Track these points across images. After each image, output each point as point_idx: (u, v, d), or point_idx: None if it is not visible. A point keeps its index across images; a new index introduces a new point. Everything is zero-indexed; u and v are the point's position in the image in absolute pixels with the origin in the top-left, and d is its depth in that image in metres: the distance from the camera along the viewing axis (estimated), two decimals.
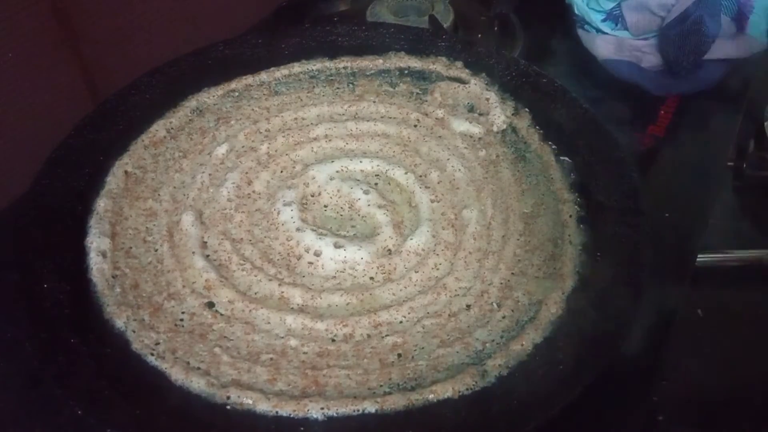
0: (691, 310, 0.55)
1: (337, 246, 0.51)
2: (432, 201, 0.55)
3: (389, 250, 0.52)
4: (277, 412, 0.41)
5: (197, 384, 0.43)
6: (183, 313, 0.48)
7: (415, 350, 0.46)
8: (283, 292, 0.49)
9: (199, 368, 0.44)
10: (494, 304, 0.48)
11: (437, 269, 0.50)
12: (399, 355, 0.45)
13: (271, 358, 0.45)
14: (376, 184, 0.57)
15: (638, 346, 0.51)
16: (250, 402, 0.42)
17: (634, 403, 0.50)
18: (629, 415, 0.49)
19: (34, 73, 0.63)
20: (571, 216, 0.53)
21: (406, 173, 0.57)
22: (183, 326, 0.47)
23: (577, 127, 0.58)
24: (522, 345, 0.45)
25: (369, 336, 0.47)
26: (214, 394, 0.42)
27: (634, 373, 0.51)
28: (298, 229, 0.52)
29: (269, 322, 0.47)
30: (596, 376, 0.41)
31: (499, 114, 0.61)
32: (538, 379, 0.43)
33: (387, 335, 0.46)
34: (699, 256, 0.57)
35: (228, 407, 0.42)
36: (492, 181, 0.57)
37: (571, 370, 0.42)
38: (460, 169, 0.57)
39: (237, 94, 0.64)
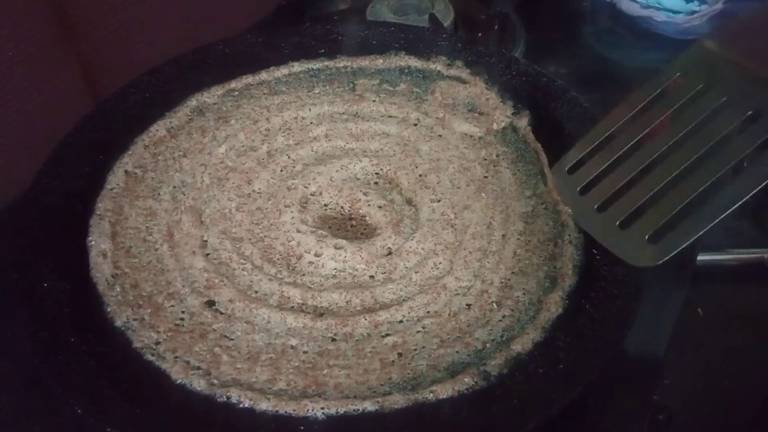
0: (691, 310, 0.55)
1: (337, 246, 0.51)
2: (432, 201, 0.55)
3: (389, 250, 0.52)
4: (277, 412, 0.41)
5: (197, 383, 0.43)
6: (183, 312, 0.48)
7: (415, 350, 0.46)
8: (283, 292, 0.49)
9: (199, 368, 0.44)
10: (494, 304, 0.48)
11: (437, 269, 0.50)
12: (399, 355, 0.45)
13: (271, 358, 0.45)
14: (376, 183, 0.57)
15: (638, 345, 0.51)
16: (250, 402, 0.42)
17: (634, 403, 0.50)
18: (630, 415, 0.49)
19: (34, 72, 0.63)
20: (571, 216, 0.53)
21: (406, 173, 0.57)
22: (183, 326, 0.47)
23: (577, 127, 0.58)
24: (522, 345, 0.44)
25: (369, 335, 0.47)
26: (214, 393, 0.42)
27: (634, 373, 0.51)
28: (298, 230, 0.52)
29: (269, 322, 0.47)
30: (596, 376, 0.41)
31: (500, 113, 0.61)
32: (538, 379, 0.43)
33: (387, 335, 0.46)
34: (699, 256, 0.57)
35: (228, 407, 0.42)
36: (492, 180, 0.57)
37: (571, 369, 0.42)
38: (460, 169, 0.57)
39: (237, 93, 0.64)
